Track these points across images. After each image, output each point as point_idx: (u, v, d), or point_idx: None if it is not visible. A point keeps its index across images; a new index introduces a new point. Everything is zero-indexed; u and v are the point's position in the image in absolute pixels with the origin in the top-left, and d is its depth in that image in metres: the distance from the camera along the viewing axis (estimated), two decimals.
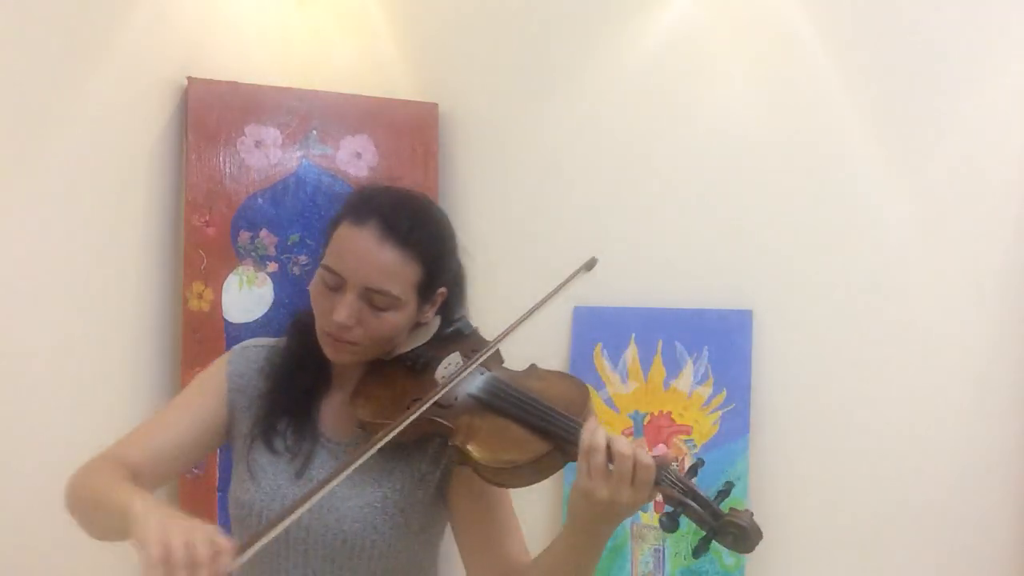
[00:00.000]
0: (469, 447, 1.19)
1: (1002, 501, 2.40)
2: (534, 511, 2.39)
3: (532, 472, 1.17)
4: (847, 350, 2.42)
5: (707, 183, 2.51)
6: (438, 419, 1.22)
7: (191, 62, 2.39)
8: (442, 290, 1.36)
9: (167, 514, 1.09)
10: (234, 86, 2.41)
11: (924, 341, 2.41)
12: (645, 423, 2.43)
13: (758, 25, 2.48)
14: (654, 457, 1.11)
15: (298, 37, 2.58)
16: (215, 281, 2.36)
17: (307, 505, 1.10)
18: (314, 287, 1.31)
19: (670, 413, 2.43)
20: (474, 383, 1.26)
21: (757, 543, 1.09)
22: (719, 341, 2.41)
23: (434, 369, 1.31)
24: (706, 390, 2.39)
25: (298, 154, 2.46)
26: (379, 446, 1.16)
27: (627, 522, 2.27)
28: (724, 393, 2.37)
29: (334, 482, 1.13)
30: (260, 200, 2.42)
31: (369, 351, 1.31)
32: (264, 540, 1.08)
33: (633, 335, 2.43)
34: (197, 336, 2.33)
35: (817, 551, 2.42)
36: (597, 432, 1.12)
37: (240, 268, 2.39)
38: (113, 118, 2.28)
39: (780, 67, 2.48)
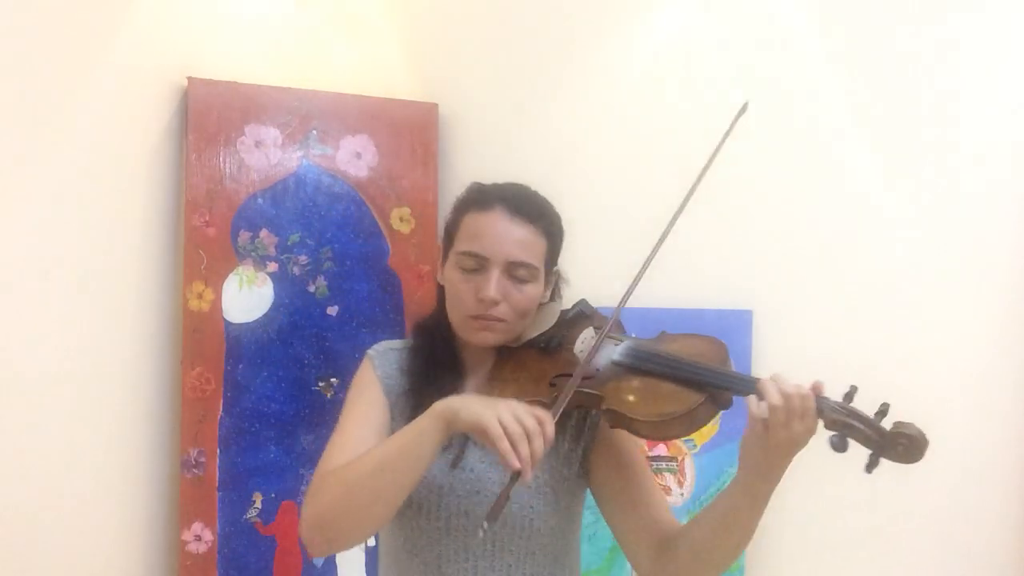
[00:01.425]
0: (624, 407, 1.27)
1: (1003, 501, 2.40)
2: None
3: (688, 422, 1.25)
4: (847, 350, 2.42)
5: (707, 183, 2.50)
6: (587, 390, 1.29)
7: (191, 62, 2.39)
8: (557, 268, 1.47)
9: (476, 397, 1.22)
10: (234, 86, 2.41)
11: (924, 341, 2.42)
12: None
13: (757, 25, 2.49)
14: (812, 389, 1.20)
15: (298, 37, 2.58)
16: (215, 281, 2.36)
17: (575, 383, 1.24)
18: (451, 277, 1.39)
19: None
20: (616, 351, 1.35)
21: (926, 449, 1.16)
22: None
23: (569, 347, 1.39)
24: None
25: (298, 154, 2.46)
26: (564, 406, 1.24)
27: None
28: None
29: (566, 398, 1.24)
30: (260, 200, 2.42)
31: (512, 329, 1.39)
32: (565, 399, 1.22)
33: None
34: (197, 336, 2.34)
35: (817, 551, 2.42)
36: (775, 390, 1.19)
37: (240, 268, 2.39)
38: (113, 118, 2.28)
39: (779, 67, 2.48)
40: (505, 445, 1.13)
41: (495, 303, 1.35)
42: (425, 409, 1.34)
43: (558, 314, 1.45)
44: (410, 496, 1.33)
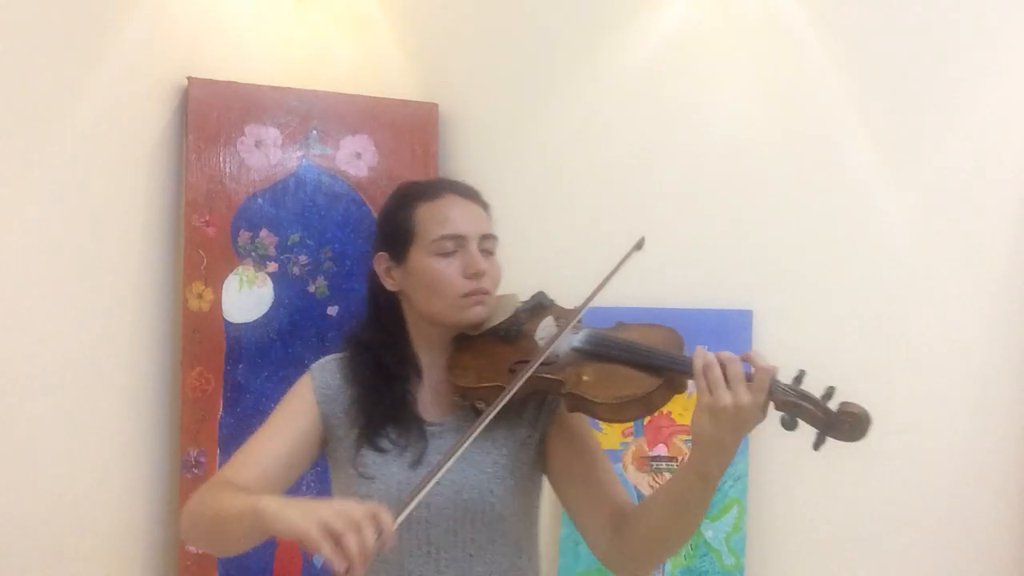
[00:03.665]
0: (583, 391, 1.31)
1: (1002, 500, 2.40)
2: None
3: (645, 404, 1.31)
4: (847, 350, 2.42)
5: (707, 183, 2.51)
6: (546, 375, 1.34)
7: (191, 62, 2.39)
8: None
9: (299, 501, 1.15)
10: (234, 86, 2.41)
11: (924, 341, 2.42)
12: (645, 423, 2.43)
13: (758, 26, 2.49)
14: (766, 369, 1.25)
15: (298, 37, 2.58)
16: (215, 281, 2.36)
17: (452, 459, 1.22)
18: (427, 267, 1.41)
19: (670, 413, 2.43)
20: (575, 339, 1.39)
21: (869, 426, 1.22)
22: (719, 341, 2.39)
23: (529, 336, 1.43)
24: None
25: (298, 154, 2.46)
26: (507, 398, 1.29)
27: None
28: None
29: (474, 434, 1.25)
30: (260, 200, 2.42)
31: (493, 300, 1.44)
32: (418, 498, 1.19)
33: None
34: (197, 336, 2.34)
35: (817, 551, 2.42)
36: (707, 354, 1.26)
37: (240, 268, 2.39)
38: (113, 118, 2.28)
39: (780, 68, 2.48)
40: (327, 548, 1.05)
41: (484, 274, 1.41)
42: (378, 415, 1.41)
43: (516, 304, 1.48)
44: (371, 498, 1.32)
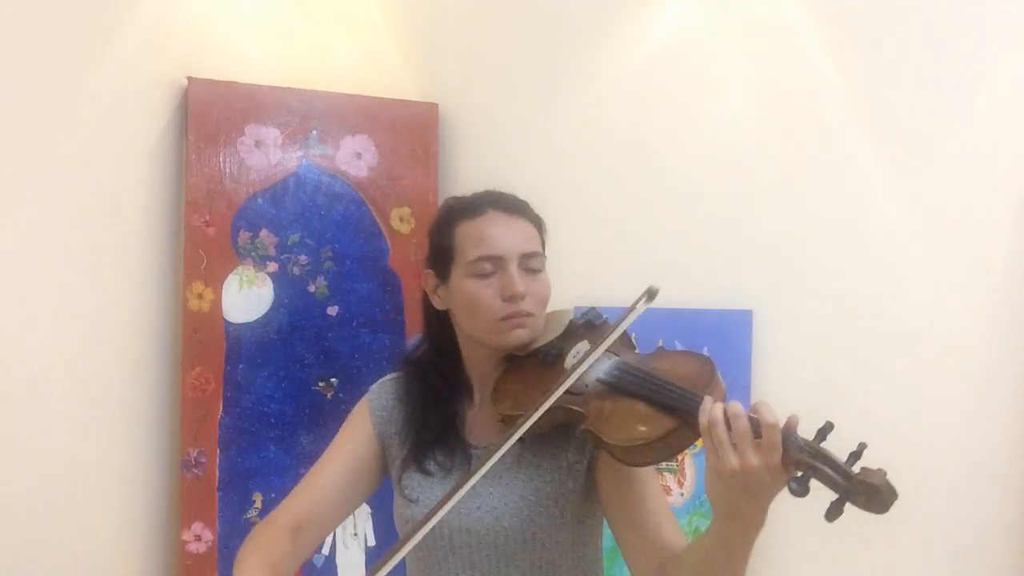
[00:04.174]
0: (600, 429, 1.21)
1: (1002, 500, 2.40)
2: None
3: (662, 448, 1.17)
4: (847, 350, 2.42)
5: (708, 183, 2.51)
6: (572, 407, 1.25)
7: (191, 62, 2.39)
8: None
9: None
10: (234, 86, 2.40)
11: (924, 341, 2.41)
12: None
13: (758, 26, 2.49)
14: (786, 423, 1.10)
15: (298, 37, 2.58)
16: (215, 281, 2.36)
17: (450, 503, 1.17)
18: (465, 289, 1.36)
19: None
20: (602, 368, 1.29)
21: (892, 502, 1.05)
22: (719, 341, 2.41)
23: (564, 359, 1.35)
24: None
25: (298, 154, 2.46)
26: (514, 439, 1.20)
27: None
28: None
29: (473, 480, 1.18)
30: (260, 200, 2.42)
31: (538, 323, 1.38)
32: (401, 553, 1.14)
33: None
34: (197, 336, 2.33)
35: (817, 551, 2.42)
36: (714, 407, 1.12)
37: (240, 268, 2.39)
38: (113, 118, 2.28)
39: (780, 68, 2.48)
40: None
41: (523, 297, 1.34)
42: (426, 436, 1.39)
43: (566, 323, 1.41)
44: (415, 519, 1.34)
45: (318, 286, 2.47)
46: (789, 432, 1.10)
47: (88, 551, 2.24)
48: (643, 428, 1.17)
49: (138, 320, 2.32)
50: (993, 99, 2.39)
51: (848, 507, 1.07)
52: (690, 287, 2.45)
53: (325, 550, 2.43)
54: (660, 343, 1.39)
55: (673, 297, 2.43)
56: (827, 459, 1.08)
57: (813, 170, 2.46)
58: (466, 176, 2.65)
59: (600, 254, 2.52)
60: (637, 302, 1.29)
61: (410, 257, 2.53)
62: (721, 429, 1.10)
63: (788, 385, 2.41)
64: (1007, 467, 2.40)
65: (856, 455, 1.10)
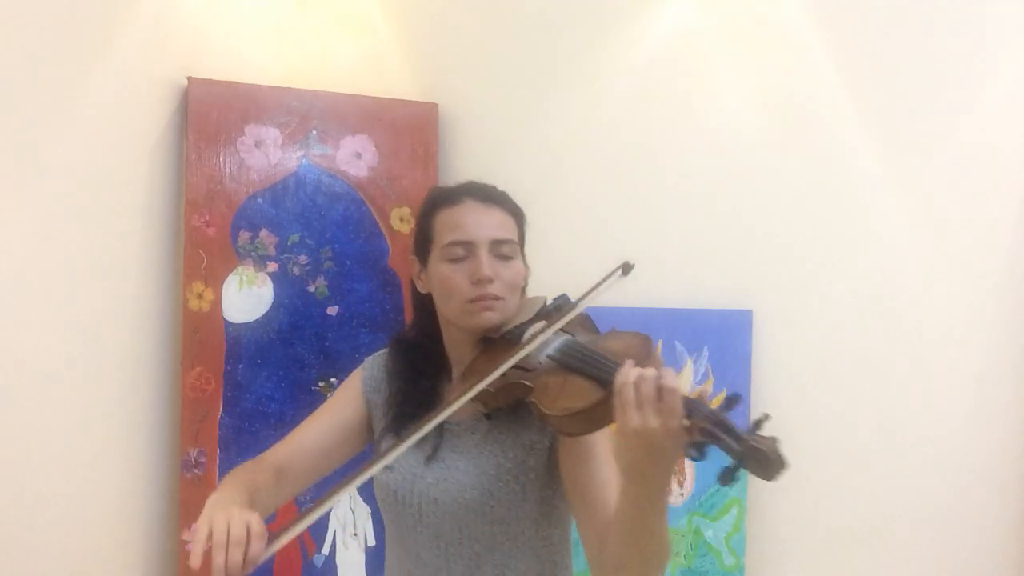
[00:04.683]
0: (541, 401, 1.29)
1: (1002, 500, 2.40)
2: None
3: (589, 419, 1.24)
4: (847, 350, 2.43)
5: (707, 183, 2.51)
6: (522, 381, 1.33)
7: (191, 62, 2.39)
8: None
9: (225, 502, 1.26)
10: (234, 86, 2.41)
11: (924, 341, 2.42)
12: None
13: (758, 26, 2.49)
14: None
15: (298, 37, 2.58)
16: (215, 281, 2.36)
17: (392, 456, 1.30)
18: (440, 272, 1.45)
19: None
20: (553, 346, 1.37)
21: (779, 470, 1.09)
22: (719, 341, 2.41)
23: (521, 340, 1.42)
24: (706, 389, 2.39)
25: (298, 154, 2.46)
26: (461, 402, 1.30)
27: None
28: (724, 393, 2.37)
29: (411, 440, 1.30)
30: (260, 200, 2.42)
31: (508, 306, 1.44)
32: (294, 531, 1.22)
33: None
34: (197, 336, 2.34)
35: (817, 551, 2.42)
36: (629, 371, 1.18)
37: (240, 268, 2.39)
38: (113, 118, 2.28)
39: (781, 68, 2.48)
40: (198, 549, 1.17)
41: (490, 280, 1.41)
42: (406, 408, 1.47)
43: (539, 306, 1.49)
44: (390, 486, 1.45)
45: (318, 286, 2.47)
46: (695, 401, 1.15)
47: (88, 551, 2.24)
48: (575, 399, 1.25)
49: (138, 320, 2.33)
50: (993, 99, 2.39)
51: (744, 473, 1.11)
52: (690, 287, 2.45)
53: (325, 550, 2.44)
54: (613, 328, 1.42)
55: (673, 297, 2.45)
56: (726, 426, 1.12)
57: (813, 170, 2.47)
58: (466, 176, 2.64)
59: (599, 253, 2.51)
60: (611, 275, 1.38)
61: (410, 257, 2.53)
62: (629, 389, 1.16)
63: (788, 385, 2.41)
64: (1007, 467, 2.40)
65: (758, 423, 1.14)
